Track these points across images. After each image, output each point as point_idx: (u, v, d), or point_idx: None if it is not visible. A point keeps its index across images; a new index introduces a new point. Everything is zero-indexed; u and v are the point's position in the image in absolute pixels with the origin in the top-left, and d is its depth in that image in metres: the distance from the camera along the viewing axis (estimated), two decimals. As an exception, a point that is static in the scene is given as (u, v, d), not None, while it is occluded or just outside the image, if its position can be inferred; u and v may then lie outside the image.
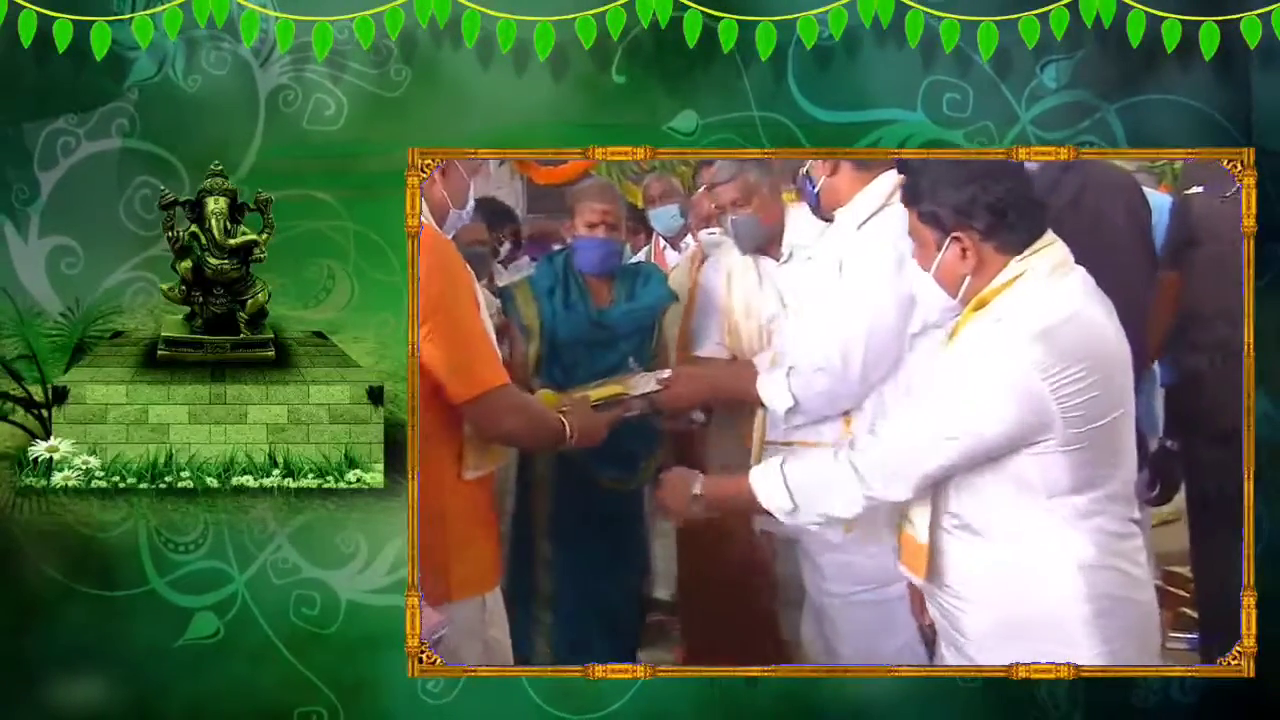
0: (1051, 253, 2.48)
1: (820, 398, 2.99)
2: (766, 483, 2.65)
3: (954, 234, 2.49)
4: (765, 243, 3.27)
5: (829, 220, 3.08)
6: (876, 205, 2.97)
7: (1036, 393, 2.37)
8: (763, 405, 3.08)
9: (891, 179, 2.95)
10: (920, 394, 2.65)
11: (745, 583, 3.36)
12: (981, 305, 2.49)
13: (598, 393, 3.16)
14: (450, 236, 2.84)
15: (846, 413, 2.99)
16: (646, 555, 3.72)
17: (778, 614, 3.30)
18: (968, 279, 2.51)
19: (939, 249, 2.51)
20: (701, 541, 3.39)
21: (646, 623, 3.65)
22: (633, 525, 3.59)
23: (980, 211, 2.47)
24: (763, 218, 3.24)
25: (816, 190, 3.04)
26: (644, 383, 3.24)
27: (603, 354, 3.50)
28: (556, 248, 3.68)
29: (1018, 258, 2.47)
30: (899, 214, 2.90)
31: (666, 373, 3.28)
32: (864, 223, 2.98)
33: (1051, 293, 2.45)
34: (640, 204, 3.92)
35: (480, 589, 2.81)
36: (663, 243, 3.96)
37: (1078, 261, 2.50)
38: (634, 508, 3.56)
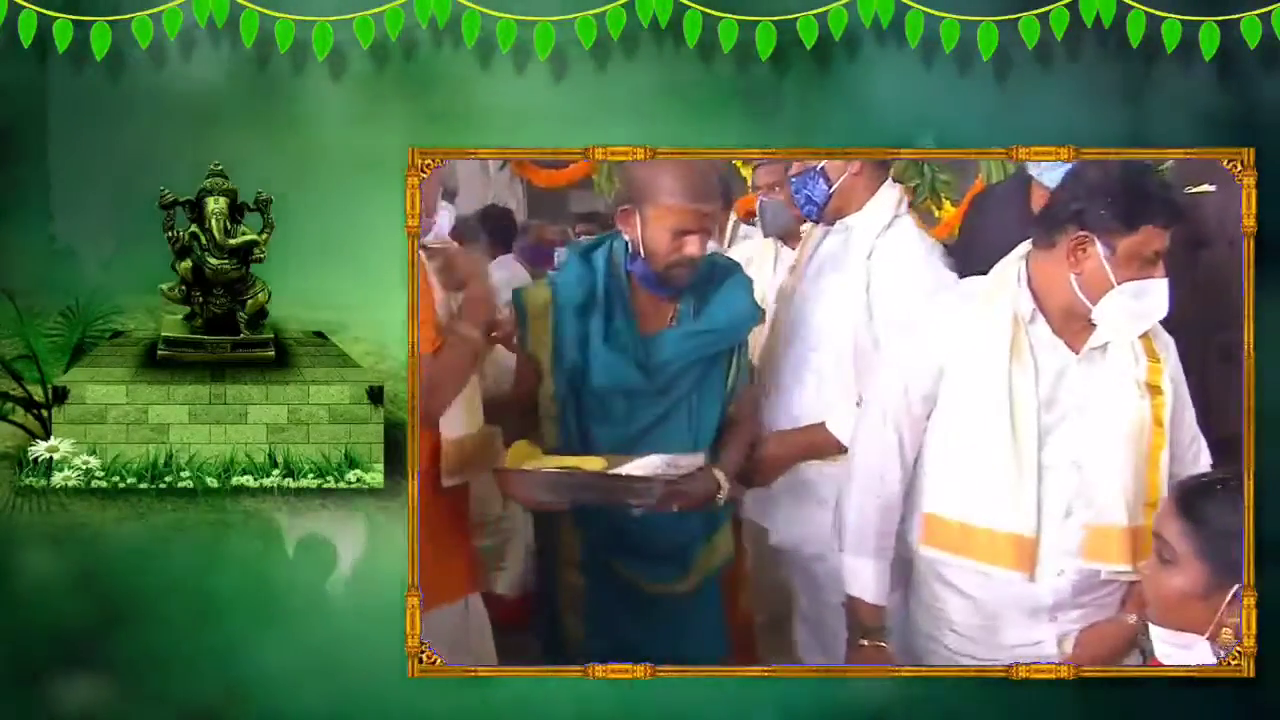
0: None
1: None
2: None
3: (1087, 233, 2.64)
4: (789, 230, 3.20)
5: (828, 225, 3.03)
6: (891, 213, 2.95)
7: None
8: (843, 450, 2.90)
9: (896, 187, 2.95)
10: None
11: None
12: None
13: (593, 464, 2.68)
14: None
15: None
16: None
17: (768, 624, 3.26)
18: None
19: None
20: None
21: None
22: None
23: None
24: (789, 205, 3.20)
25: (831, 190, 2.96)
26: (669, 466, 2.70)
27: (648, 405, 2.78)
28: (594, 236, 2.85)
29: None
30: (911, 224, 2.92)
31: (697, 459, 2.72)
32: (881, 233, 2.96)
33: None
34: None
35: (455, 597, 2.78)
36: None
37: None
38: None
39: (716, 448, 2.79)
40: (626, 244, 2.77)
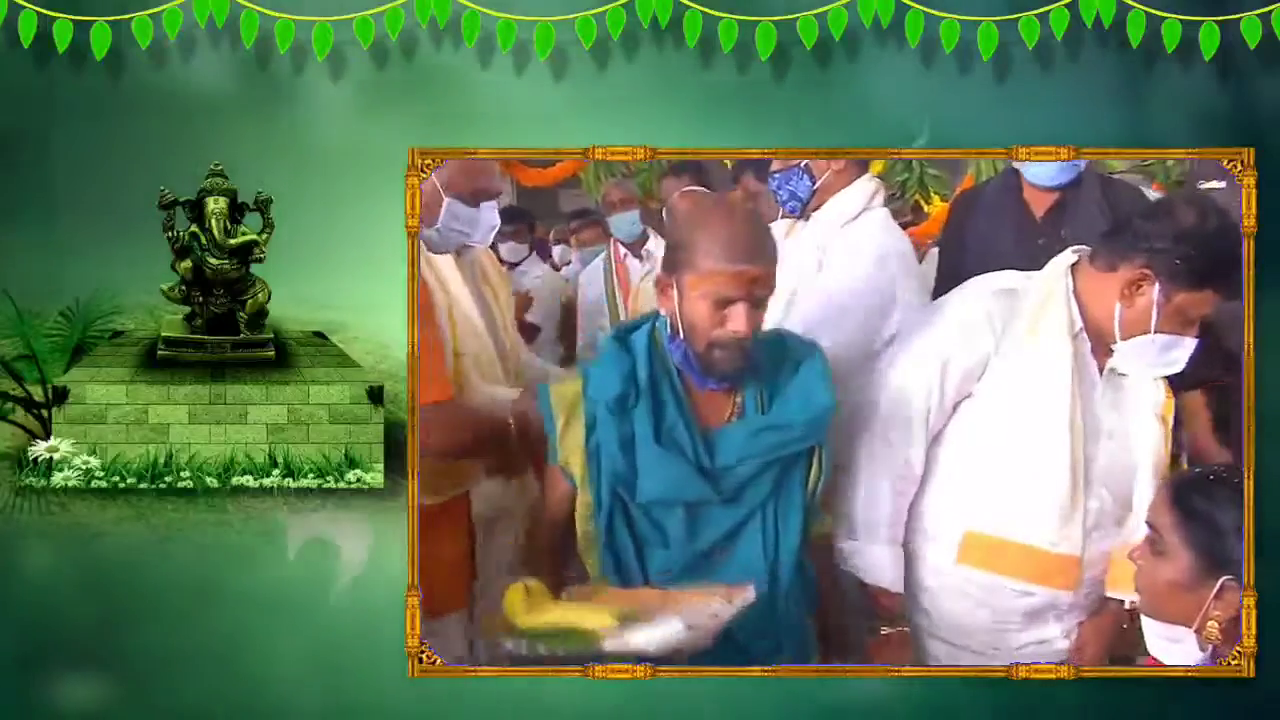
0: None
1: None
2: None
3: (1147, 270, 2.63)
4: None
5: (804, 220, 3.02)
6: (860, 206, 2.94)
7: None
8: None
9: (873, 181, 2.94)
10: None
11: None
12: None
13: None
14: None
15: None
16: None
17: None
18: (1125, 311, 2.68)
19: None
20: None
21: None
22: None
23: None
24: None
25: (815, 186, 2.95)
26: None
27: (714, 519, 2.32)
28: (638, 317, 2.43)
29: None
30: (880, 218, 2.92)
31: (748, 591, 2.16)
32: (847, 224, 2.95)
33: None
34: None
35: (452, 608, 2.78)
36: (622, 250, 3.24)
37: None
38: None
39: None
40: (669, 322, 2.33)
